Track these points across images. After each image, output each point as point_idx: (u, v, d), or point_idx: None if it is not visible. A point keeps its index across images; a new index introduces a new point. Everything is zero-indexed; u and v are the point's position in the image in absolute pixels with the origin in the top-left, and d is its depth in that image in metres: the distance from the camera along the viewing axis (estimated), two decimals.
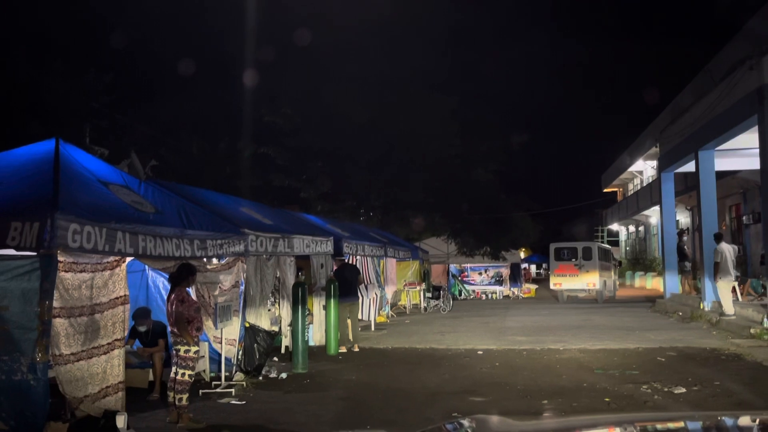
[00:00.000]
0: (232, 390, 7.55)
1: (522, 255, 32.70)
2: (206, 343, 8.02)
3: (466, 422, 2.10)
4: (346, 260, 12.12)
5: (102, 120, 17.21)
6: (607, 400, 6.87)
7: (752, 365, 8.73)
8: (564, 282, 21.35)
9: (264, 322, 9.02)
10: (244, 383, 7.90)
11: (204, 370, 8.05)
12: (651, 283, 27.92)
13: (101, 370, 5.67)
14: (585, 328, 13.45)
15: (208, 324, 7.66)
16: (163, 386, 6.96)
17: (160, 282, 9.21)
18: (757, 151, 11.67)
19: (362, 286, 13.24)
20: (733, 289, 13.68)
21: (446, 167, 21.34)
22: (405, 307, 19.00)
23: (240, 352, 8.17)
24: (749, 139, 12.59)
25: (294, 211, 14.50)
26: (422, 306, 19.07)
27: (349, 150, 19.60)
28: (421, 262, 20.45)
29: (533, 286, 27.11)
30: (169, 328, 6.55)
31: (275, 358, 9.67)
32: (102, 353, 5.70)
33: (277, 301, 10.82)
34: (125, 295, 6.03)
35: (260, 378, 8.34)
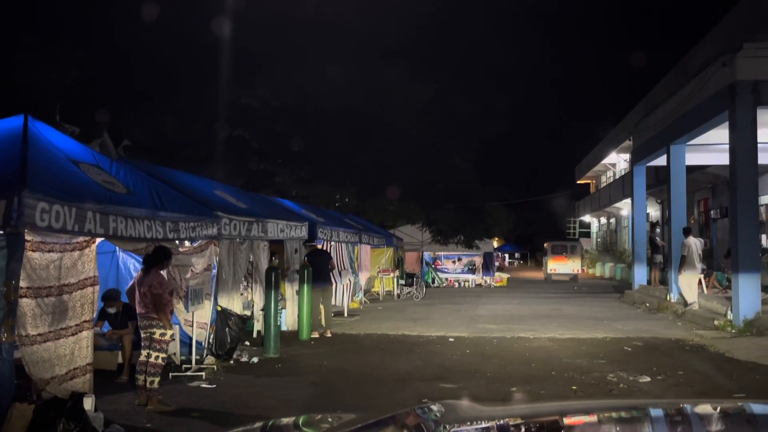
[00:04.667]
0: (203, 373, 7.51)
1: (495, 244, 32.99)
2: (177, 326, 7.97)
3: (435, 407, 2.12)
4: (318, 246, 12.09)
5: (74, 97, 16.82)
6: (574, 388, 7.00)
7: (715, 356, 8.97)
8: (557, 267, 28.70)
9: (236, 306, 8.98)
10: (215, 367, 7.87)
11: (174, 354, 8.00)
12: (620, 274, 28.40)
13: (69, 352, 5.59)
14: (555, 318, 13.65)
15: (179, 307, 7.60)
16: (132, 369, 6.90)
17: (131, 264, 9.10)
18: (727, 146, 11.90)
19: (335, 272, 13.24)
20: (699, 282, 14.02)
21: (423, 155, 21.35)
22: (378, 294, 19.07)
23: (211, 336, 8.13)
24: (719, 134, 12.84)
25: (269, 195, 14.40)
26: (395, 293, 19.16)
27: (325, 135, 19.48)
28: (396, 250, 20.51)
29: (505, 275, 27.38)
30: (137, 311, 6.47)
31: (247, 343, 9.65)
32: (70, 334, 5.61)
33: (249, 285, 10.76)
34: (95, 276, 5.94)
35: (231, 362, 8.31)
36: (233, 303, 8.88)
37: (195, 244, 7.86)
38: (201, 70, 18.08)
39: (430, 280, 24.81)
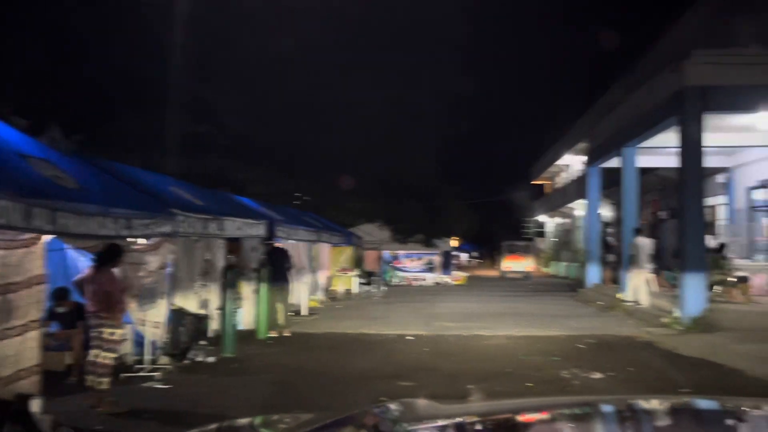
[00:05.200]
0: (157, 374, 7.36)
1: (454, 243, 33.38)
2: (130, 326, 7.78)
3: (393, 406, 2.13)
4: (277, 244, 11.99)
5: (23, 89, 16.24)
6: (529, 384, 7.13)
7: (662, 352, 9.26)
8: (512, 266, 30.80)
9: (192, 305, 8.83)
10: (169, 367, 7.72)
11: (127, 354, 7.81)
12: (575, 272, 29.04)
13: (14, 353, 5.39)
14: (511, 315, 13.87)
15: (132, 306, 7.42)
16: (82, 370, 6.71)
17: (82, 262, 8.84)
18: (676, 150, 12.29)
19: (293, 271, 13.15)
20: (650, 281, 14.47)
21: (384, 153, 21.42)
22: (338, 293, 19.02)
23: (166, 336, 7.96)
24: (669, 138, 13.25)
25: (227, 192, 14.19)
26: (355, 292, 19.14)
27: (286, 132, 19.34)
28: (355, 248, 20.49)
29: (464, 274, 27.67)
30: (87, 309, 6.29)
31: (203, 342, 9.48)
32: (15, 335, 5.42)
33: (206, 283, 10.59)
34: (42, 275, 5.75)
35: (186, 362, 8.17)
36: (189, 302, 8.73)
37: (149, 242, 7.69)
38: (157, 61, 17.70)
39: (389, 279, 24.90)
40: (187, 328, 8.19)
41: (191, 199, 8.96)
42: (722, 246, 14.09)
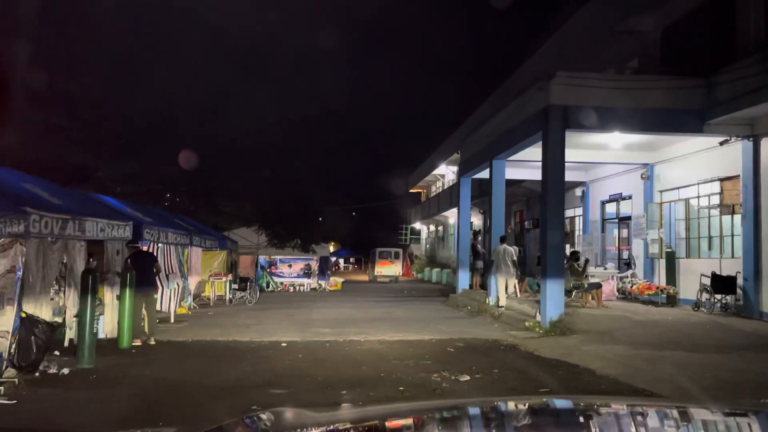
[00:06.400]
0: (1, 388, 6.67)
1: (331, 248, 33.56)
2: None
3: (264, 416, 2.07)
4: (144, 248, 11.37)
5: None
6: (401, 388, 7.27)
7: (525, 354, 9.84)
8: (383, 270, 33.96)
9: (45, 313, 8.13)
10: (16, 380, 7.04)
11: None
12: (447, 278, 30.16)
13: None
14: (386, 321, 14.11)
15: None
16: None
17: None
18: (540, 163, 13.14)
19: (162, 276, 12.53)
20: (512, 285, 15.38)
21: (261, 157, 21.00)
22: (209, 299, 18.36)
23: (13, 346, 7.25)
24: (534, 152, 14.15)
25: (89, 191, 13.24)
26: (228, 298, 18.59)
27: (156, 129, 18.36)
28: (229, 253, 19.91)
29: (340, 280, 27.80)
30: None
31: (56, 353, 8.76)
32: None
33: (62, 289, 9.80)
34: None
35: (37, 374, 7.49)
36: (41, 309, 8.02)
37: None
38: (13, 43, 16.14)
39: (264, 285, 24.44)
40: (38, 338, 7.51)
41: (48, 197, 8.27)
42: (576, 254, 15.25)
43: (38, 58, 15.91)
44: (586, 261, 15.52)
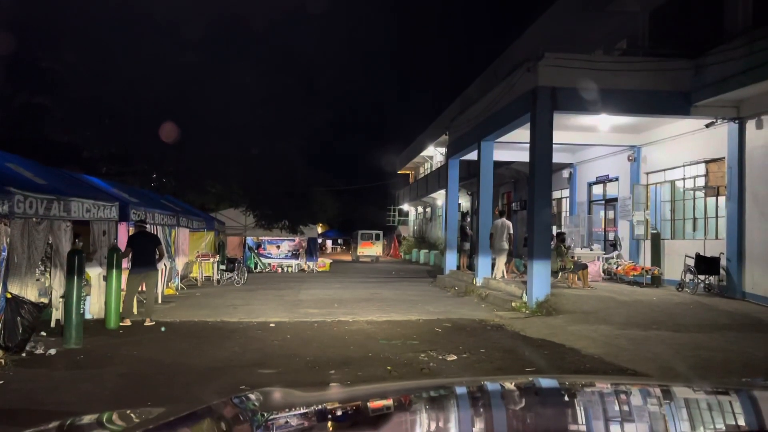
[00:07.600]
0: None
1: (319, 230, 33.58)
2: None
3: (253, 396, 2.08)
4: (144, 227, 11.30)
5: None
6: (389, 368, 7.32)
7: (511, 334, 9.94)
8: (365, 251, 36.01)
9: (31, 293, 8.08)
10: (2, 361, 7.02)
11: None
12: (434, 260, 30.29)
13: None
14: (374, 301, 14.17)
15: None
16: None
17: None
18: (528, 145, 13.16)
19: (165, 260, 12.54)
20: (499, 264, 15.54)
21: (248, 136, 20.81)
22: (197, 280, 18.33)
23: None
24: (522, 134, 14.16)
25: (74, 171, 13.10)
26: (215, 279, 18.56)
27: (140, 106, 18.09)
28: (217, 234, 19.84)
29: (328, 261, 27.82)
30: None
31: (43, 333, 8.73)
32: None
33: (48, 269, 9.73)
34: None
35: (23, 355, 7.47)
36: (27, 290, 7.98)
37: None
38: None
39: (252, 266, 24.41)
40: (24, 318, 7.47)
41: (32, 178, 8.18)
42: (562, 234, 15.36)
43: (20, 34, 15.60)
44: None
